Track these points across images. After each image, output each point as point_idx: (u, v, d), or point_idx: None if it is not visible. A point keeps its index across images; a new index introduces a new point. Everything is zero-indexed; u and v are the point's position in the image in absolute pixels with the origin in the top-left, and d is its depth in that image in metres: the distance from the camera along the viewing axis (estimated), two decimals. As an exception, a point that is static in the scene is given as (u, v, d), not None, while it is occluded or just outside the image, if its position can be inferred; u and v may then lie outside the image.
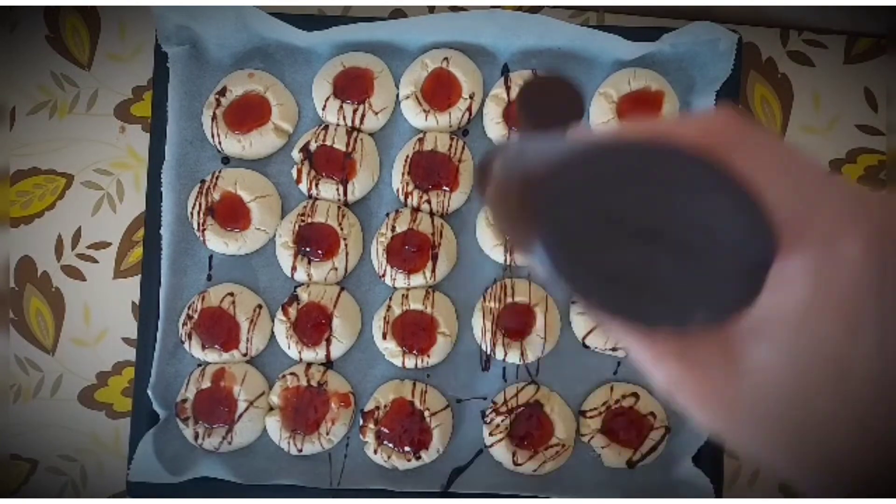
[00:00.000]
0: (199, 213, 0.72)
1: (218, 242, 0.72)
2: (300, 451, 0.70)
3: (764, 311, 0.28)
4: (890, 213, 0.28)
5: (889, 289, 0.27)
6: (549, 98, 0.35)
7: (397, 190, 0.73)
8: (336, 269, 0.72)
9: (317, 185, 0.72)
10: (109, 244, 0.76)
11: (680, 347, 0.30)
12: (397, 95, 0.74)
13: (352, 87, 0.73)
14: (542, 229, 0.26)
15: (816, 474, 0.30)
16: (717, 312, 0.27)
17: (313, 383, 0.71)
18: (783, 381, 0.28)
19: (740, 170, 0.27)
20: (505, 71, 0.74)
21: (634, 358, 0.31)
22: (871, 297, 0.27)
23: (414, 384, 0.71)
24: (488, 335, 0.70)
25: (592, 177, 0.27)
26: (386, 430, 0.70)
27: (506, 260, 0.72)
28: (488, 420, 0.71)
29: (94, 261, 0.76)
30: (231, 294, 0.71)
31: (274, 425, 0.71)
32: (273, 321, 0.72)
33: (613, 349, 0.71)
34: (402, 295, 0.71)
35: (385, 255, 0.71)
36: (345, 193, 0.72)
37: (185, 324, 0.71)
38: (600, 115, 0.72)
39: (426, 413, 0.70)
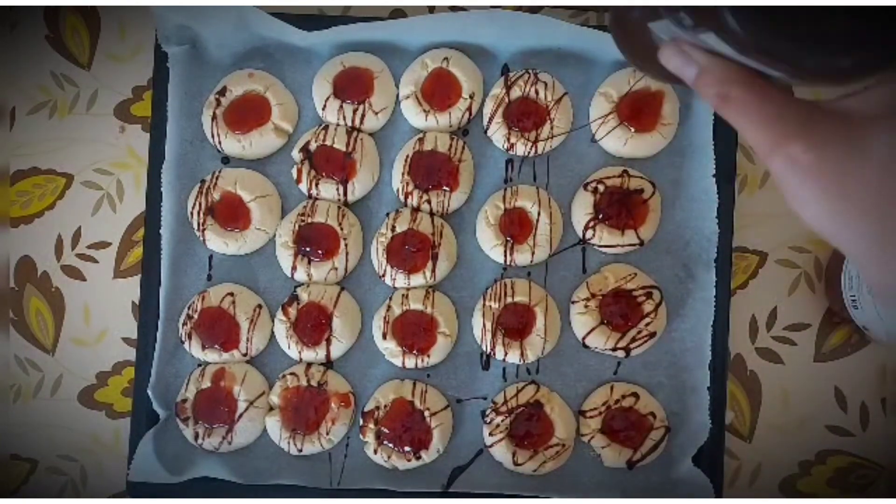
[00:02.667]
0: (199, 212, 0.72)
1: (218, 242, 0.72)
2: (300, 451, 0.70)
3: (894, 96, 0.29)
4: None
5: None
6: None
7: (397, 190, 0.73)
8: (336, 269, 0.72)
9: (317, 185, 0.72)
10: (109, 244, 0.76)
11: (806, 127, 0.31)
12: (397, 95, 0.74)
13: (352, 87, 0.73)
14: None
15: None
16: (862, 61, 0.29)
17: (313, 383, 0.71)
18: None
19: None
20: (505, 71, 0.74)
21: (755, 143, 0.32)
22: None
23: (414, 384, 0.71)
24: (488, 335, 0.70)
25: None
26: (386, 430, 0.70)
27: (506, 260, 0.72)
28: (488, 420, 0.71)
29: (94, 261, 0.76)
30: (231, 294, 0.71)
31: (274, 425, 0.71)
32: (273, 321, 0.72)
33: (613, 349, 0.71)
34: (402, 295, 0.71)
35: (385, 255, 0.71)
36: (345, 193, 0.72)
37: (185, 324, 0.71)
38: (600, 115, 0.72)
39: (426, 413, 0.70)
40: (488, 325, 0.70)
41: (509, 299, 0.71)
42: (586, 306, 0.71)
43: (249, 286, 0.73)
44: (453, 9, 0.76)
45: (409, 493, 0.69)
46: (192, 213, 0.72)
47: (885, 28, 0.28)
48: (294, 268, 0.72)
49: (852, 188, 0.30)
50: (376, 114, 0.73)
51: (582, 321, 0.71)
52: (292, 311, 0.71)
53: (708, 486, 0.68)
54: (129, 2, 0.76)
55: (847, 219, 0.31)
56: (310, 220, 0.71)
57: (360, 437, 0.71)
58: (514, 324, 0.70)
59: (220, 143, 0.73)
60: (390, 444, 0.70)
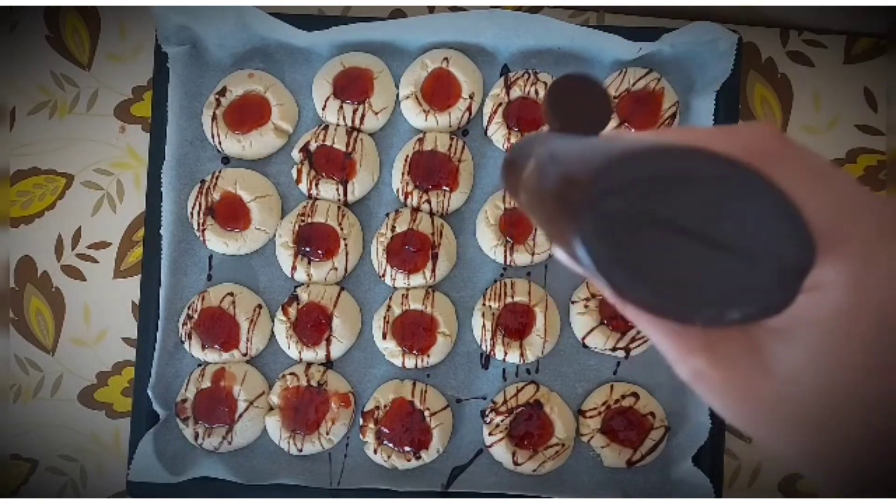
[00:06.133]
0: (199, 213, 0.72)
1: (218, 242, 0.72)
2: (300, 451, 0.70)
3: (796, 313, 0.28)
4: None
5: None
6: (578, 99, 0.37)
7: (397, 190, 0.73)
8: (336, 269, 0.72)
9: (317, 185, 0.72)
10: (109, 244, 0.76)
11: (708, 342, 0.30)
12: (397, 95, 0.74)
13: (352, 87, 0.73)
14: (582, 227, 0.27)
15: (839, 477, 0.31)
16: (751, 313, 0.28)
17: (313, 383, 0.71)
18: (812, 383, 0.29)
19: (779, 181, 0.27)
20: (505, 71, 0.74)
21: (661, 350, 0.31)
22: None
23: (414, 384, 0.71)
24: (488, 335, 0.70)
25: (637, 178, 0.27)
26: (386, 430, 0.70)
27: (506, 260, 0.72)
28: (488, 420, 0.71)
29: (94, 261, 0.76)
30: (231, 294, 0.71)
31: (274, 425, 0.71)
32: (273, 321, 0.72)
33: (613, 349, 0.71)
34: (402, 295, 0.71)
35: (385, 255, 0.71)
36: (345, 193, 0.72)
37: (185, 324, 0.71)
38: (600, 115, 0.72)
39: (426, 413, 0.70)
40: (488, 325, 0.70)
41: (509, 299, 0.71)
42: (586, 306, 0.71)
43: (249, 286, 0.73)
44: (453, 9, 0.76)
45: (409, 493, 0.69)
46: (192, 214, 0.72)
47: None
48: (294, 268, 0.72)
49: (761, 406, 0.30)
50: (376, 114, 0.73)
51: (582, 321, 0.71)
52: (292, 311, 0.71)
53: (708, 486, 0.68)
54: (129, 2, 0.76)
55: (753, 425, 0.31)
56: (310, 220, 0.71)
57: (360, 437, 0.71)
58: (514, 324, 0.70)
59: (220, 143, 0.73)
60: (390, 444, 0.70)
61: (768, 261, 0.27)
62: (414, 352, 0.70)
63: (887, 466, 0.30)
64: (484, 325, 0.71)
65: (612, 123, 0.72)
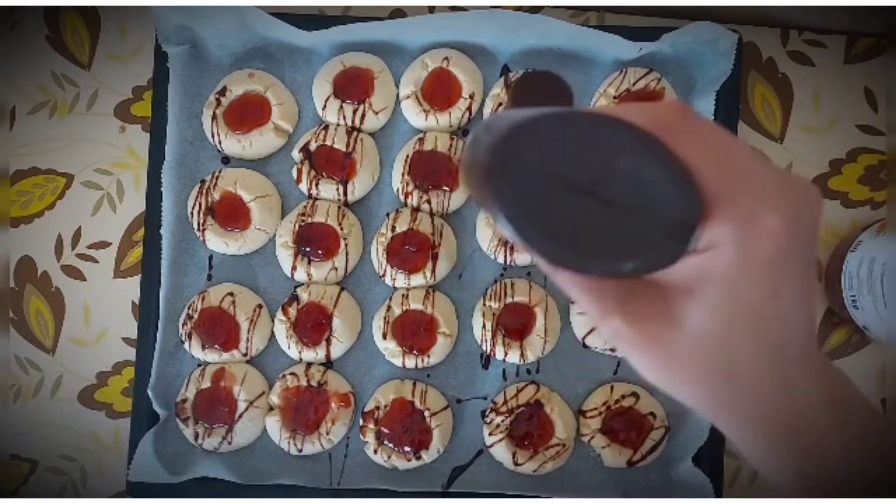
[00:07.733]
0: (199, 212, 0.72)
1: (218, 242, 0.72)
2: (300, 451, 0.70)
3: (696, 272, 0.31)
4: (805, 195, 0.32)
5: (805, 259, 0.32)
6: (540, 93, 0.39)
7: (397, 190, 0.73)
8: (336, 269, 0.72)
9: (317, 185, 0.72)
10: (109, 244, 0.76)
11: (624, 302, 0.34)
12: (397, 95, 0.74)
13: (352, 86, 0.73)
14: (496, 187, 0.30)
15: (743, 423, 0.35)
16: (643, 265, 0.31)
17: (313, 383, 0.71)
18: (713, 335, 0.32)
19: (679, 149, 0.31)
20: (505, 71, 0.74)
21: (586, 311, 0.34)
22: (791, 265, 0.31)
23: (414, 384, 0.71)
24: (488, 335, 0.70)
25: (543, 139, 0.30)
26: (386, 430, 0.70)
27: (506, 260, 0.72)
28: (488, 420, 0.71)
29: (94, 261, 0.76)
30: (231, 294, 0.71)
31: (274, 425, 0.71)
32: (273, 321, 0.72)
33: (613, 349, 0.70)
34: (402, 295, 0.71)
35: (385, 255, 0.71)
36: (345, 193, 0.72)
37: (185, 324, 0.71)
38: (600, 115, 0.72)
39: (426, 413, 0.70)
40: (488, 325, 0.70)
41: (509, 299, 0.71)
42: (586, 306, 0.71)
43: (249, 286, 0.73)
44: (453, 9, 0.76)
45: (409, 493, 0.69)
46: (192, 213, 0.72)
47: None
48: (294, 268, 0.72)
49: (672, 359, 0.33)
50: (376, 114, 0.73)
51: (582, 321, 0.71)
52: (292, 311, 0.71)
53: (708, 486, 0.68)
54: (129, 2, 0.76)
55: (667, 378, 0.34)
56: (310, 220, 0.71)
57: (360, 437, 0.71)
58: (514, 324, 0.70)
59: (220, 143, 0.73)
60: (390, 444, 0.70)
61: (659, 217, 0.30)
62: (414, 352, 0.70)
63: (789, 412, 0.33)
64: (484, 326, 0.71)
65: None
